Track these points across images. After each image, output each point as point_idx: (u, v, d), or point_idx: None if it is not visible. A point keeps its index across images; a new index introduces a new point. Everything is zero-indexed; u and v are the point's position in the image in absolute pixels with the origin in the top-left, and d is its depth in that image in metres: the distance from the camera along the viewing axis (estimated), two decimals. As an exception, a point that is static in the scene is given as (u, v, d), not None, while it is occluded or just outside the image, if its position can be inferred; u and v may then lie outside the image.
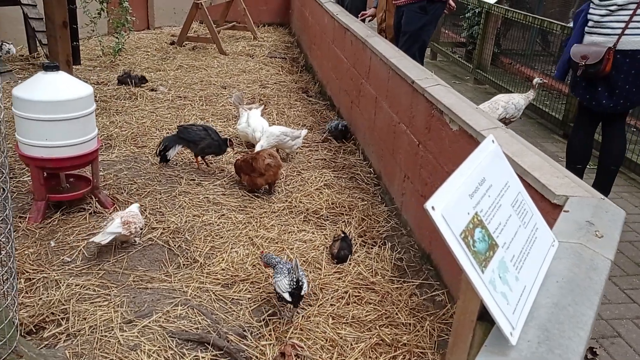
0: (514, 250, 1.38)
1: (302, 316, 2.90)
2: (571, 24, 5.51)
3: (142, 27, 9.82)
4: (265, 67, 8.07)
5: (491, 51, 8.21)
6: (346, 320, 2.91)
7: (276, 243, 3.56)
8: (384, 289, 3.19)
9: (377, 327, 2.87)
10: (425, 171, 3.57)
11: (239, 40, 9.76)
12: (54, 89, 3.48)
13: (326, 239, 3.68)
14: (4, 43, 7.21)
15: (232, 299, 3.03)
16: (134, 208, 3.48)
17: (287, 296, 2.80)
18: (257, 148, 4.60)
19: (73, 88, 3.56)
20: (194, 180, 4.40)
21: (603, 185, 4.26)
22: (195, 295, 3.02)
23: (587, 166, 4.56)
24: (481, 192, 1.38)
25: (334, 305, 3.03)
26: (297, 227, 3.79)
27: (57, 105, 3.45)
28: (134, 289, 3.04)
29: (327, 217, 4.01)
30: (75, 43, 6.11)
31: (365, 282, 3.24)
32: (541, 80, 5.56)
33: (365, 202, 4.24)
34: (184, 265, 3.30)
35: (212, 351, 2.60)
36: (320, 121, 6.03)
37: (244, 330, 2.77)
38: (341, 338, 2.76)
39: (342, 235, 3.56)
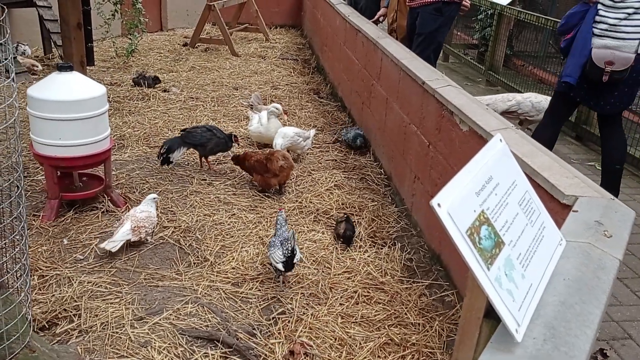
0: (521, 248, 1.38)
1: (312, 315, 2.92)
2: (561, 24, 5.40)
3: (155, 29, 9.91)
4: (277, 68, 8.10)
5: (503, 53, 8.18)
6: (355, 319, 2.92)
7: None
8: (393, 289, 3.19)
9: (386, 326, 2.87)
10: (435, 172, 3.57)
11: (251, 41, 9.81)
12: (68, 89, 3.52)
13: (335, 239, 3.69)
14: (19, 44, 7.31)
15: (242, 297, 3.05)
16: (150, 201, 3.51)
17: (280, 266, 3.04)
18: (278, 148, 4.61)
19: (86, 88, 3.61)
20: (205, 180, 4.43)
21: (611, 185, 4.24)
22: (205, 293, 3.04)
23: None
24: (488, 190, 1.39)
25: (343, 304, 3.03)
26: (307, 227, 3.81)
27: (70, 104, 3.49)
28: (145, 287, 3.07)
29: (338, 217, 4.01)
30: (89, 44, 6.19)
31: (374, 282, 3.25)
32: None
33: (376, 203, 4.24)
34: (194, 263, 3.33)
35: (221, 349, 2.62)
36: (331, 122, 6.04)
37: (254, 329, 2.79)
38: (350, 337, 2.77)
39: (345, 216, 3.71)
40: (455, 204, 1.25)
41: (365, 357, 2.65)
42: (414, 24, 5.78)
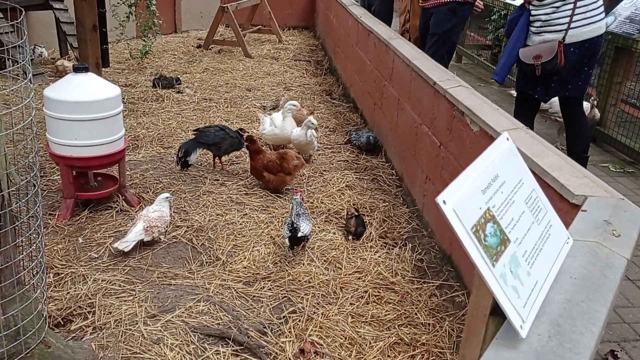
0: (527, 246, 1.39)
1: (322, 314, 2.94)
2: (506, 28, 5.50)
3: (170, 31, 10.00)
4: (290, 69, 8.14)
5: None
6: (365, 319, 2.93)
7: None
8: (403, 289, 3.20)
9: (396, 326, 2.89)
10: (446, 172, 3.57)
11: (264, 43, 9.86)
12: (83, 90, 3.58)
13: (347, 239, 3.71)
14: (36, 46, 7.43)
15: (253, 296, 3.08)
16: (162, 200, 3.56)
17: (287, 241, 3.34)
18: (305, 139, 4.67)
19: (101, 89, 3.67)
20: (218, 180, 4.47)
21: None
22: (217, 292, 3.08)
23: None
24: (494, 188, 1.40)
25: (354, 304, 3.05)
26: (319, 227, 3.83)
27: (86, 105, 3.55)
28: (158, 285, 3.11)
29: (349, 217, 4.03)
30: (104, 46, 6.27)
31: (385, 282, 3.26)
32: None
33: (387, 204, 4.25)
34: (206, 262, 3.37)
35: (232, 346, 2.65)
36: (343, 123, 6.06)
37: (264, 327, 2.81)
38: (360, 336, 2.78)
39: (355, 213, 3.77)
40: (460, 201, 1.26)
41: (375, 357, 2.66)
42: (426, 25, 5.78)
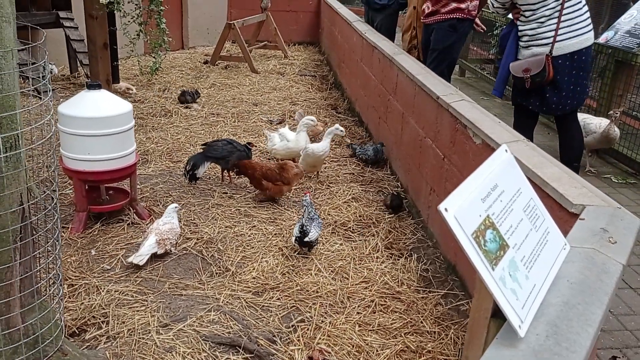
0: (525, 251, 1.47)
1: (330, 323, 3.01)
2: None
3: (177, 47, 10.17)
4: (296, 84, 8.27)
5: (520, 67, 8.22)
6: (372, 327, 3.00)
7: (305, 256, 3.68)
8: (409, 299, 3.27)
9: (403, 334, 2.95)
10: (450, 184, 3.65)
11: (270, 59, 10.01)
12: (96, 106, 3.69)
13: (353, 250, 3.79)
14: (47, 63, 7.58)
15: (263, 306, 3.15)
16: (171, 211, 3.65)
17: (293, 240, 3.61)
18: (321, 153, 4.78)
19: (114, 105, 3.77)
20: (226, 193, 4.57)
21: None
22: (227, 302, 3.15)
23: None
24: (493, 197, 1.48)
25: (361, 313, 3.12)
26: (326, 239, 3.91)
27: (99, 121, 3.66)
28: (169, 295, 3.19)
29: (355, 229, 4.11)
30: (115, 63, 6.41)
31: (391, 291, 3.33)
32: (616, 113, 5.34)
33: (392, 215, 4.33)
34: (216, 273, 3.44)
35: (243, 354, 2.72)
36: (348, 136, 6.16)
37: (274, 336, 2.88)
38: (367, 344, 2.85)
39: (395, 193, 4.49)
40: (461, 209, 1.35)
41: (381, 364, 2.72)
42: (428, 40, 5.89)
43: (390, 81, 5.29)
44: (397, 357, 2.78)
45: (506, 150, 1.66)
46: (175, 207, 3.72)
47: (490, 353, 1.29)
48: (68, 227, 3.83)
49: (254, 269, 3.49)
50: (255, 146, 4.94)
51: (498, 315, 1.48)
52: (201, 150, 4.78)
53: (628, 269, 3.74)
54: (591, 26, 4.41)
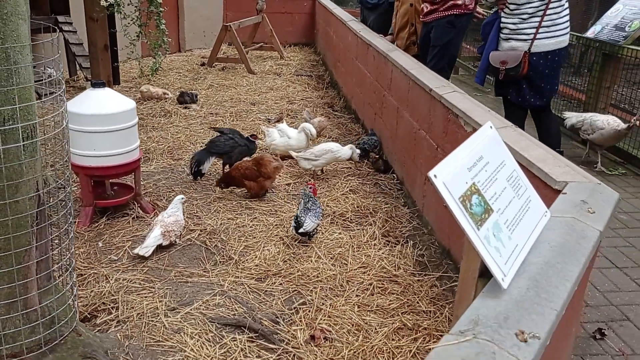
0: (508, 216, 1.61)
1: (330, 305, 3.14)
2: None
3: (174, 50, 10.31)
4: (292, 84, 8.41)
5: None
6: (371, 308, 3.13)
7: (305, 244, 3.81)
8: (406, 281, 3.41)
9: (400, 313, 3.09)
10: (443, 172, 3.78)
11: (266, 60, 10.16)
12: (101, 104, 3.83)
13: (351, 238, 3.92)
14: (46, 67, 7.70)
15: (266, 291, 3.28)
16: (177, 202, 3.78)
17: (292, 230, 3.77)
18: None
19: (118, 102, 3.91)
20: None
21: None
22: (231, 287, 3.28)
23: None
24: (479, 167, 1.62)
25: (359, 295, 3.25)
26: (325, 228, 4.04)
27: (104, 118, 3.79)
28: (175, 283, 3.32)
29: (353, 219, 4.25)
30: (115, 64, 6.54)
31: (388, 274, 3.47)
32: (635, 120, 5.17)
33: (389, 205, 4.47)
34: (220, 262, 3.57)
35: (248, 334, 2.85)
36: (345, 133, 6.31)
37: (277, 317, 3.02)
38: (366, 323, 2.98)
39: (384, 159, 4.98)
40: (449, 176, 1.49)
41: (380, 340, 2.86)
42: (426, 37, 6.03)
43: (385, 77, 5.44)
44: (395, 334, 2.92)
45: (491, 127, 1.80)
46: (182, 199, 3.85)
47: (477, 303, 1.43)
48: (75, 222, 3.95)
49: (256, 257, 3.62)
50: (260, 139, 5.09)
51: (485, 276, 1.62)
52: (204, 147, 4.92)
53: (614, 249, 3.90)
54: (569, 29, 4.59)
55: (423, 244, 3.87)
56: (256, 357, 2.71)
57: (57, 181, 2.66)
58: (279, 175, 4.75)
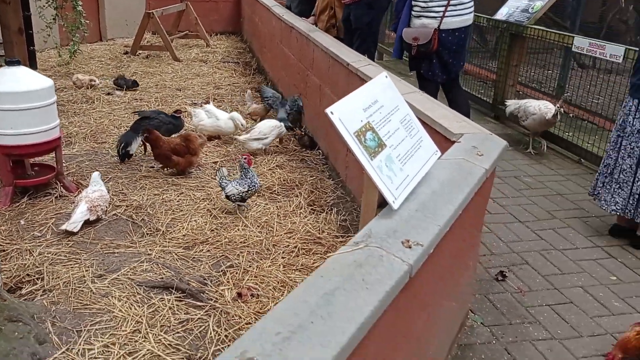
0: (400, 151, 1.81)
1: (257, 267, 3.28)
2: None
3: (95, 39, 10.05)
4: (219, 71, 8.44)
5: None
6: (296, 267, 3.30)
7: (232, 214, 3.92)
8: (329, 243, 3.60)
9: (322, 271, 3.26)
10: (362, 142, 4.00)
11: (192, 48, 10.09)
12: (17, 81, 3.77)
13: (278, 208, 4.07)
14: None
15: (193, 257, 3.38)
16: (96, 179, 3.80)
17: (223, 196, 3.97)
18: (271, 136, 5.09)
19: (34, 80, 3.86)
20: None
21: None
22: (159, 256, 3.36)
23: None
24: (374, 108, 1.81)
25: (285, 257, 3.41)
26: (252, 201, 4.17)
27: (20, 95, 3.74)
28: (102, 254, 3.36)
29: (279, 192, 4.40)
30: (31, 47, 6.35)
31: (312, 237, 3.65)
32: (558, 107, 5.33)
33: (314, 178, 4.65)
34: (147, 234, 3.63)
35: (176, 294, 2.95)
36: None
37: (205, 279, 3.13)
38: (291, 280, 3.15)
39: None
40: (345, 113, 1.66)
41: (303, 294, 3.02)
42: (347, 19, 6.24)
43: (308, 57, 5.60)
44: (317, 289, 3.09)
45: (386, 77, 1.99)
46: (99, 175, 3.87)
47: (372, 223, 1.61)
48: (-6, 203, 3.89)
49: (183, 228, 3.70)
50: (183, 113, 5.16)
51: (383, 206, 1.81)
52: (130, 129, 4.92)
53: (518, 207, 4.26)
54: (473, 9, 4.90)
55: (346, 210, 4.08)
56: (184, 314, 2.82)
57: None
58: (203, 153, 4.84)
